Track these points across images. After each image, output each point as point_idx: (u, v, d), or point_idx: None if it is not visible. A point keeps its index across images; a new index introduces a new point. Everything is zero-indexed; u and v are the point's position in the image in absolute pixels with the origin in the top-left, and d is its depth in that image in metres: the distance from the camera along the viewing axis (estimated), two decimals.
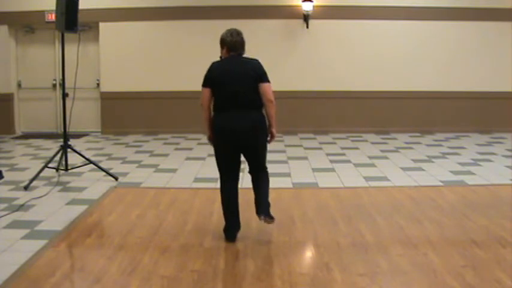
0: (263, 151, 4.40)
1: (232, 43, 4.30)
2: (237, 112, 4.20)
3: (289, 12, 10.25)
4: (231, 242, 4.29)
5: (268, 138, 4.40)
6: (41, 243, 4.22)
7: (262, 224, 4.62)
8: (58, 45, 10.08)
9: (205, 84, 4.28)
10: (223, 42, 4.34)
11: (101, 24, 10.33)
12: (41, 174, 6.23)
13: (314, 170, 7.05)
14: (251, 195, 4.42)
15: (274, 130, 4.36)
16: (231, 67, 4.26)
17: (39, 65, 10.55)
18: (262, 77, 4.23)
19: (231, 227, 4.35)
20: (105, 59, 10.38)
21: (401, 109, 10.46)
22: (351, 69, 10.35)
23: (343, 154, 8.20)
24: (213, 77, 4.24)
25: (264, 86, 4.22)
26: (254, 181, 4.43)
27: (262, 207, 4.28)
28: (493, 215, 4.97)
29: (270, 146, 4.49)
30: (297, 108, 10.29)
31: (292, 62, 10.28)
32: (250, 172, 4.45)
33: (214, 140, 4.34)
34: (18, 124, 10.74)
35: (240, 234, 4.39)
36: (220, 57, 4.39)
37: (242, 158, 4.41)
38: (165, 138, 9.91)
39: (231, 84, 4.18)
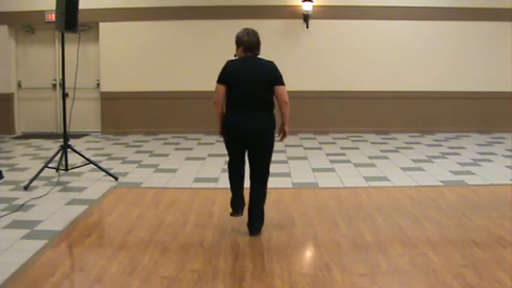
0: (267, 153, 4.44)
1: (249, 43, 4.33)
2: (248, 112, 4.26)
3: (289, 12, 10.24)
4: (237, 215, 4.41)
5: (280, 136, 4.48)
6: (41, 243, 4.22)
7: None
8: (58, 45, 10.07)
9: (219, 81, 4.33)
10: (239, 41, 4.36)
11: (101, 24, 10.33)
12: (41, 174, 6.23)
13: (314, 170, 7.05)
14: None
15: (286, 128, 4.46)
16: (246, 67, 4.29)
17: (39, 65, 10.54)
18: (278, 79, 4.29)
19: (237, 200, 4.46)
20: (105, 59, 10.38)
21: (401, 109, 10.46)
22: (351, 69, 10.35)
23: (343, 154, 8.20)
24: (228, 76, 4.28)
25: (279, 89, 4.29)
26: (251, 195, 4.47)
27: (253, 229, 4.41)
28: (493, 215, 4.97)
29: (284, 140, 4.54)
30: (297, 108, 10.17)
31: (292, 62, 10.26)
32: (250, 178, 4.48)
33: (224, 134, 4.41)
34: (18, 124, 10.73)
35: (239, 234, 4.40)
36: (235, 55, 4.42)
37: None
38: (165, 138, 9.91)
39: (244, 84, 4.23)
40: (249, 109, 4.25)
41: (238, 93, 4.25)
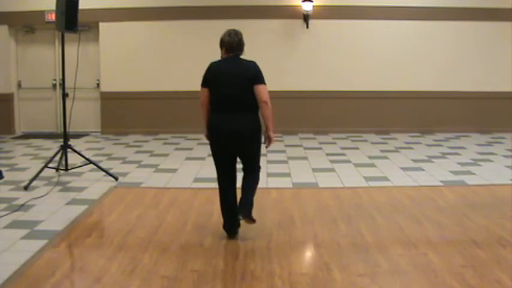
0: (255, 154, 4.37)
1: (229, 43, 4.28)
2: (231, 114, 4.20)
3: (289, 12, 10.24)
4: (232, 239, 4.30)
5: (266, 143, 4.35)
6: (41, 243, 4.22)
7: (262, 224, 4.63)
8: (58, 45, 10.08)
9: (203, 84, 4.32)
10: (221, 42, 4.35)
11: (101, 24, 10.33)
12: (41, 174, 6.23)
13: (314, 170, 7.05)
14: None
15: (271, 133, 4.30)
16: (226, 68, 4.26)
17: (39, 65, 10.54)
18: (257, 78, 4.21)
19: (229, 224, 4.38)
20: (105, 59, 10.38)
21: (401, 109, 10.45)
22: (351, 69, 10.35)
23: (343, 154, 8.20)
24: (210, 77, 4.26)
25: (258, 88, 4.19)
26: (243, 180, 4.44)
27: (243, 207, 4.30)
28: (493, 215, 4.97)
29: (270, 147, 4.47)
30: (297, 108, 10.29)
31: (292, 62, 10.27)
32: (243, 170, 4.45)
33: (209, 139, 4.36)
34: (18, 124, 10.73)
35: (239, 234, 4.39)
36: (222, 57, 4.39)
37: (238, 159, 4.42)
38: (165, 138, 9.91)
39: (225, 85, 4.19)
40: (232, 110, 4.19)
41: (221, 95, 4.21)
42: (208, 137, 4.39)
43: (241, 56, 4.35)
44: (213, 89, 4.24)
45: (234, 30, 4.35)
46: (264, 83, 4.24)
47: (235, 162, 4.40)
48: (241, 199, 4.37)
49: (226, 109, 4.21)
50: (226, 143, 4.26)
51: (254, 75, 4.21)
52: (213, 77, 4.25)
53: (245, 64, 4.27)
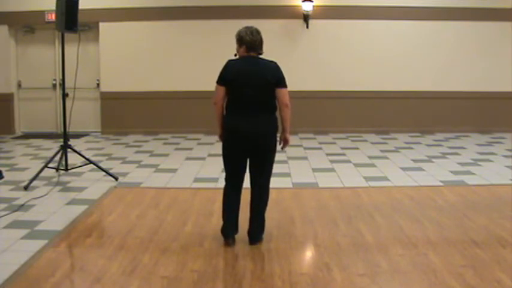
0: (269, 157, 4.25)
1: (252, 42, 4.14)
2: (250, 115, 4.09)
3: (289, 12, 10.24)
4: (229, 245, 4.21)
5: (281, 144, 4.31)
6: (41, 243, 4.22)
7: None
8: (58, 45, 10.09)
9: (219, 82, 4.15)
10: (241, 40, 4.17)
11: (101, 24, 10.33)
12: (41, 174, 6.23)
13: (314, 170, 7.05)
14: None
15: (288, 135, 4.27)
16: (248, 68, 4.11)
17: (39, 65, 10.55)
18: (281, 81, 4.13)
19: (228, 229, 4.27)
20: (105, 59, 10.38)
21: (401, 109, 10.46)
22: (351, 69, 10.35)
23: (343, 154, 8.20)
24: (229, 76, 4.10)
25: (281, 91, 4.13)
26: (252, 198, 4.30)
27: (254, 237, 4.27)
28: (493, 215, 4.97)
29: (285, 148, 4.41)
30: (297, 108, 10.13)
31: (292, 62, 10.24)
32: (250, 183, 4.30)
33: (223, 140, 4.25)
34: (18, 124, 10.74)
35: (240, 234, 4.38)
36: (235, 54, 4.26)
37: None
38: (165, 138, 9.91)
39: (246, 86, 4.05)
40: (250, 111, 4.09)
41: (239, 95, 4.09)
42: (223, 137, 4.25)
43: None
44: (232, 88, 4.10)
45: (254, 28, 4.22)
46: (286, 86, 4.17)
47: (245, 167, 4.28)
48: (251, 224, 4.28)
49: (245, 110, 4.10)
50: (242, 145, 4.14)
51: (277, 78, 4.11)
52: (232, 75, 4.09)
53: (267, 65, 4.14)
